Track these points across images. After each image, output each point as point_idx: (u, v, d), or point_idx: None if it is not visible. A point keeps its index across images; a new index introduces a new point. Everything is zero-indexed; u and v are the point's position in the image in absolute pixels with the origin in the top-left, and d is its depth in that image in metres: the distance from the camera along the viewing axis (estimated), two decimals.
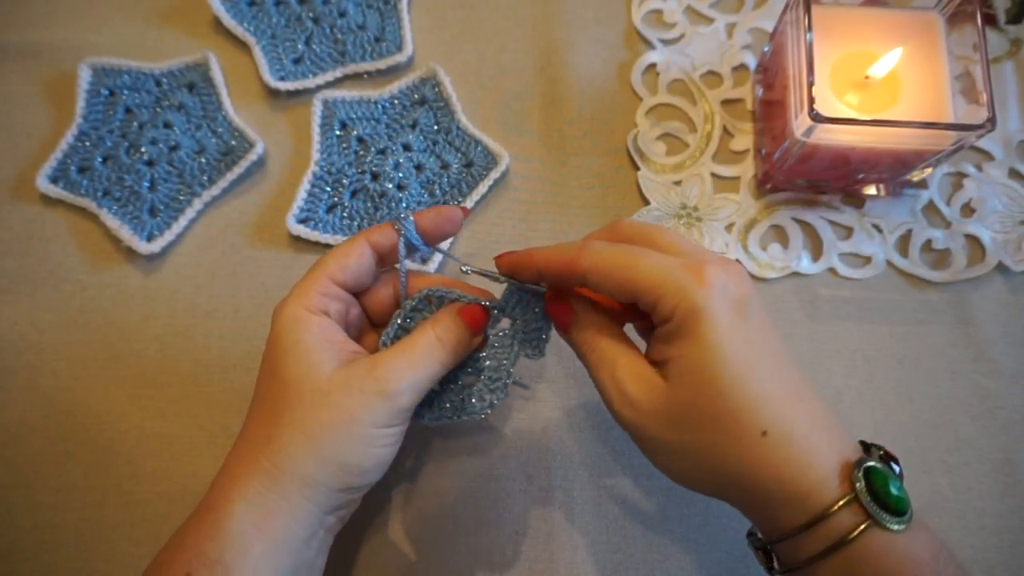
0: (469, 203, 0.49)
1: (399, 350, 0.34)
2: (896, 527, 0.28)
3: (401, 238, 0.37)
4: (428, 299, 0.37)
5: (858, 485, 0.28)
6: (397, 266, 0.38)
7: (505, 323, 0.39)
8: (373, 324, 0.40)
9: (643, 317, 0.35)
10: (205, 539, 0.31)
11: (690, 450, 0.30)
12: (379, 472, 0.35)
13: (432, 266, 0.48)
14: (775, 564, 0.32)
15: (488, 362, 0.38)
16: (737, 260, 0.33)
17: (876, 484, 0.28)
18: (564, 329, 0.36)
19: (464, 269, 0.37)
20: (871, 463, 0.29)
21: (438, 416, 0.38)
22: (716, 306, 0.29)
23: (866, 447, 0.32)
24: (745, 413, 0.29)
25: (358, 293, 0.38)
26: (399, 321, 0.37)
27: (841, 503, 0.28)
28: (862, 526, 0.28)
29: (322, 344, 0.34)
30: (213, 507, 0.32)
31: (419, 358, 0.34)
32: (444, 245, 0.48)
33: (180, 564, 0.31)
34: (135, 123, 0.50)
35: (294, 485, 0.32)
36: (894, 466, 0.31)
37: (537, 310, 0.37)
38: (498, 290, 0.38)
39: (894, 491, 0.28)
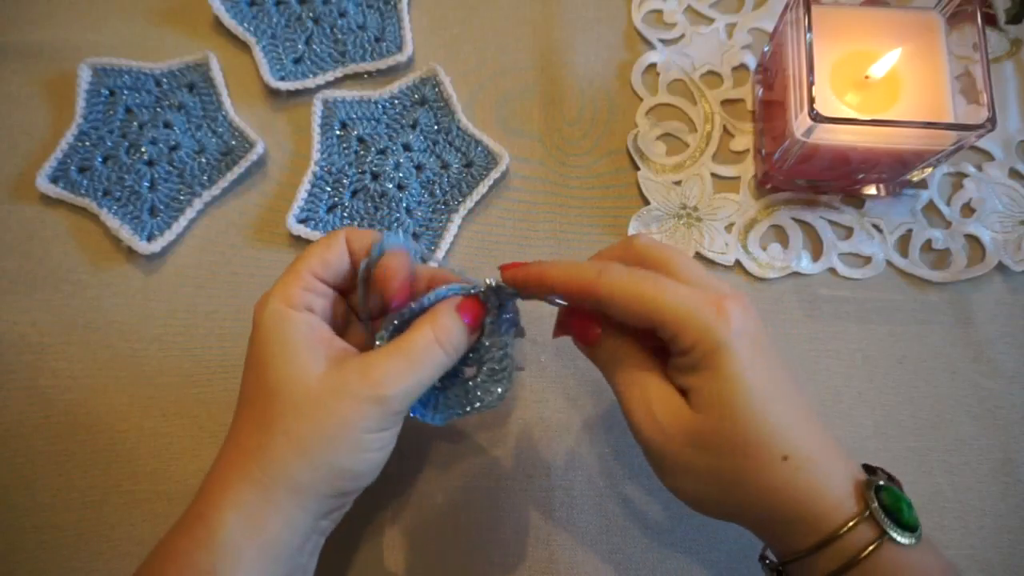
0: (469, 203, 0.49)
1: (395, 351, 0.33)
2: (908, 541, 0.29)
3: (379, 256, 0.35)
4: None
5: (873, 504, 0.30)
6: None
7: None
8: (359, 318, 0.39)
9: (652, 339, 0.35)
10: (196, 548, 0.30)
11: (713, 473, 0.31)
12: (373, 475, 0.34)
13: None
14: None
15: (489, 353, 0.37)
16: (745, 293, 0.35)
17: (888, 502, 0.30)
18: (589, 344, 0.35)
19: (489, 281, 0.36)
20: (882, 483, 0.31)
21: (446, 415, 0.37)
22: (736, 341, 0.30)
23: (870, 469, 0.33)
24: (767, 440, 0.30)
25: (342, 288, 0.37)
26: (396, 321, 0.35)
27: (856, 520, 0.29)
28: (876, 542, 0.29)
29: (310, 344, 0.33)
30: (202, 515, 0.31)
31: (417, 361, 0.33)
32: (443, 246, 0.48)
33: (171, 574, 0.30)
34: (135, 123, 0.50)
35: (286, 494, 0.31)
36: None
37: (508, 300, 0.36)
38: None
39: (905, 508, 0.30)
